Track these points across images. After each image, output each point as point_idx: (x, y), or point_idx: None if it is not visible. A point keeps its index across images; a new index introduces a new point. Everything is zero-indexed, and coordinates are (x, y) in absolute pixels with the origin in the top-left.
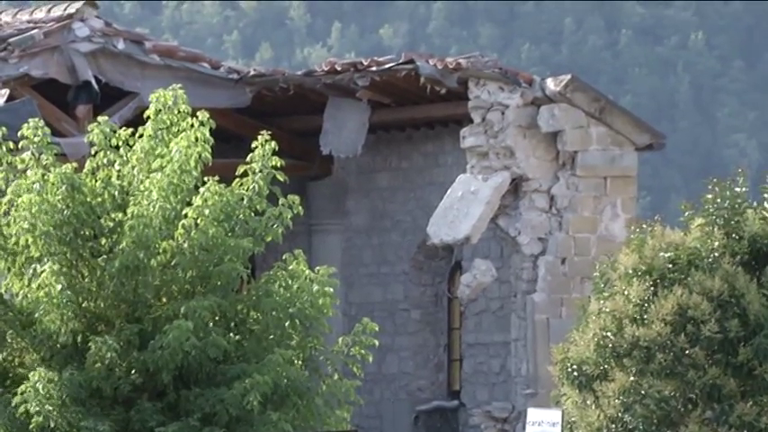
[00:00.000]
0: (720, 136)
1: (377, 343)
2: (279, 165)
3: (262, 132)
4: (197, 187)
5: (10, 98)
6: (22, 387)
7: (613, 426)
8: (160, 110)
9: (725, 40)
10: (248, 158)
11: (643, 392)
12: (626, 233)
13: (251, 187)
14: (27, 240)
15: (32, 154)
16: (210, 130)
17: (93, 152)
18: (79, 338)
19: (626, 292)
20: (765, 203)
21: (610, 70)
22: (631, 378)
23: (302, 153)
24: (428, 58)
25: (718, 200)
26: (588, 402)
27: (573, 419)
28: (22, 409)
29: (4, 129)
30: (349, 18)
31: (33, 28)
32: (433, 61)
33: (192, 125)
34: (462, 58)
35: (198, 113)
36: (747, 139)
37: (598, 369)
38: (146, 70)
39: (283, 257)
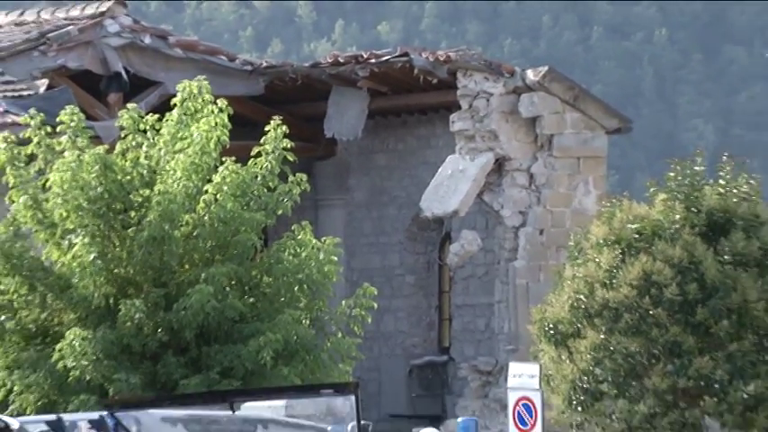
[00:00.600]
0: (680, 121)
1: (375, 305)
2: (288, 146)
3: (273, 118)
4: (216, 167)
5: (49, 87)
6: (61, 344)
7: (585, 378)
8: (186, 98)
9: (685, 35)
10: (261, 141)
11: (612, 348)
12: (597, 207)
13: (264, 166)
14: (63, 214)
15: (69, 137)
16: (228, 115)
17: (123, 135)
18: (111, 301)
19: (597, 260)
20: (720, 180)
21: (582, 62)
22: (601, 336)
23: (309, 136)
24: (421, 52)
25: (679, 177)
26: (563, 357)
27: (549, 372)
28: (60, 364)
29: (43, 115)
30: (351, 16)
31: (69, 24)
32: (426, 54)
33: (212, 111)
34: (451, 52)
35: (217, 101)
36: (704, 124)
37: (572, 328)
38: (169, 62)
39: (292, 229)
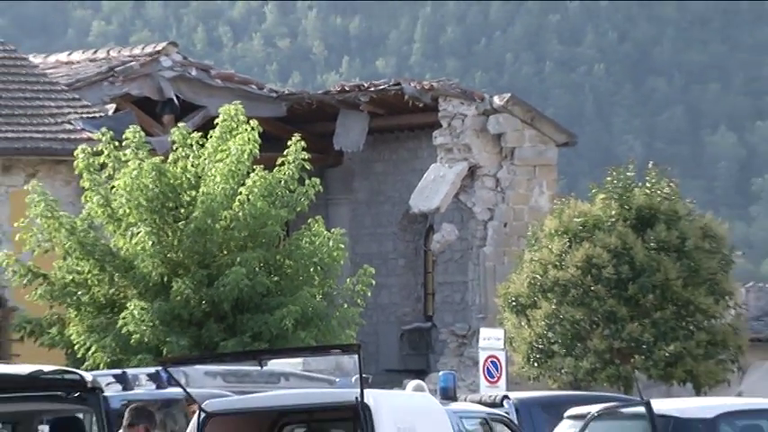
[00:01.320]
0: (615, 137)
1: (373, 282)
2: (305, 157)
3: (293, 135)
4: (248, 173)
5: (116, 110)
6: (125, 313)
7: (540, 340)
8: (224, 119)
9: (618, 69)
10: (284, 153)
11: (561, 317)
12: (549, 205)
13: (286, 173)
14: (127, 211)
15: (132, 150)
16: (258, 133)
17: (174, 148)
18: (165, 279)
19: (549, 247)
20: (647, 184)
21: (537, 91)
22: (553, 307)
23: (321, 149)
24: (410, 82)
25: (614, 181)
26: (522, 324)
27: (512, 336)
28: (124, 329)
29: (111, 132)
30: (354, 53)
31: (132, 60)
32: (414, 84)
33: (245, 130)
34: (434, 82)
35: (249, 121)
36: (634, 139)
37: (530, 300)
38: (211, 90)
39: (308, 222)
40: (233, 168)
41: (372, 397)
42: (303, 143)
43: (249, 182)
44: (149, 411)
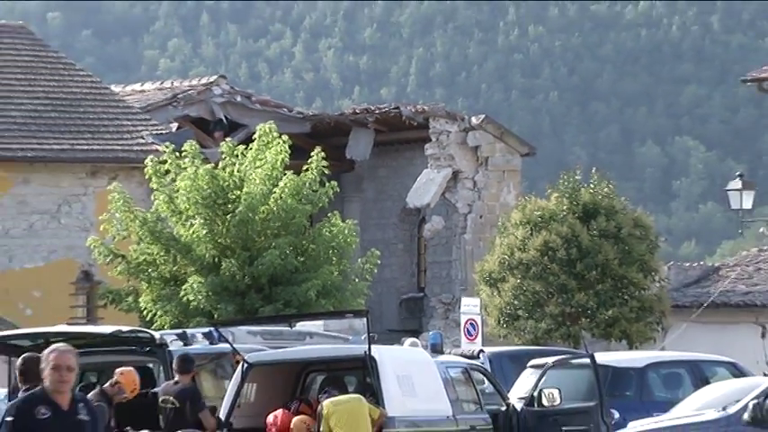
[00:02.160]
0: (566, 148)
1: (378, 262)
2: (325, 165)
3: (316, 147)
4: (280, 177)
5: (178, 128)
6: (185, 286)
7: (508, 307)
8: (262, 135)
9: (570, 95)
10: (308, 161)
11: (524, 289)
12: (515, 202)
13: (310, 177)
14: (186, 206)
15: (190, 159)
16: (288, 145)
17: (223, 158)
18: (216, 259)
19: (515, 234)
20: (591, 185)
21: (506, 113)
22: (518, 281)
23: (337, 158)
24: (407, 106)
25: (565, 183)
26: (494, 294)
27: (486, 303)
28: (184, 298)
29: (174, 145)
30: (364, 84)
31: (190, 89)
32: (410, 107)
33: (278, 143)
34: (426, 106)
35: (281, 137)
36: (580, 150)
37: (500, 276)
38: (252, 113)
39: (328, 215)
40: (269, 173)
41: (377, 351)
42: (323, 154)
43: (281, 184)
44: (192, 358)
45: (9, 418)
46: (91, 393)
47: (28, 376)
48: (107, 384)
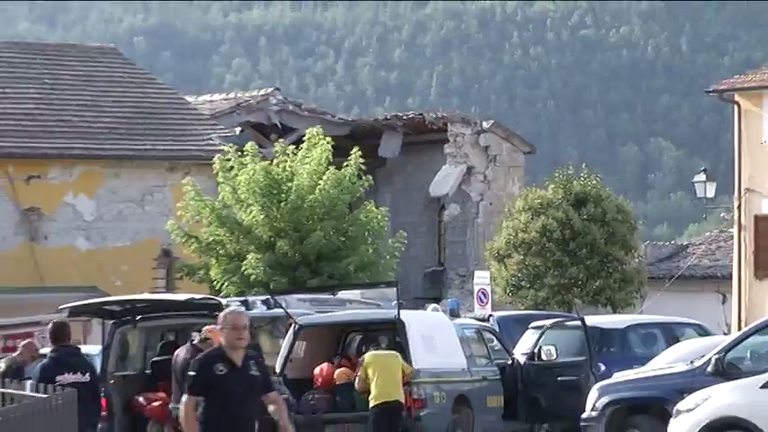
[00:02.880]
0: (561, 149)
1: (405, 241)
2: (361, 162)
3: (354, 147)
4: (324, 172)
5: (240, 132)
6: (246, 261)
7: (513, 279)
8: (310, 137)
9: (563, 104)
10: (348, 159)
11: (526, 264)
12: (519, 192)
13: (349, 172)
14: (247, 196)
15: (251, 157)
16: (331, 145)
17: (277, 156)
18: (272, 239)
19: (519, 218)
20: (581, 178)
21: (512, 118)
22: (521, 257)
23: (372, 155)
24: (429, 112)
25: (560, 176)
26: (502, 268)
27: (495, 276)
28: (246, 272)
29: (236, 146)
30: (393, 95)
31: (251, 100)
32: (432, 114)
33: (323, 143)
34: (445, 113)
35: (325, 138)
36: (572, 150)
37: (506, 253)
38: (302, 118)
39: (364, 203)
40: (315, 168)
41: (405, 315)
42: (360, 152)
43: (325, 177)
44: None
45: (192, 373)
46: (185, 347)
47: (56, 337)
48: (196, 340)
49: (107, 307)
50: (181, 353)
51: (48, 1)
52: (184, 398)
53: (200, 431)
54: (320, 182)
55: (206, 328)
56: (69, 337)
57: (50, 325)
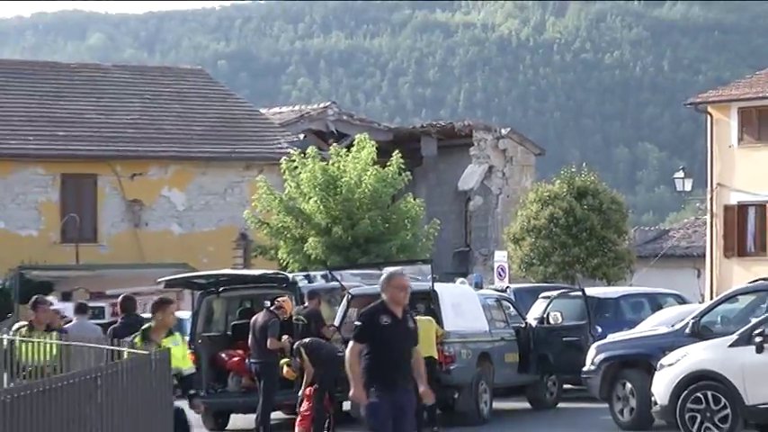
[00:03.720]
0: (566, 150)
1: (438, 227)
2: (402, 162)
3: (396, 150)
4: (371, 170)
5: (304, 138)
6: (307, 244)
7: (527, 257)
8: (359, 141)
9: (567, 115)
10: (390, 159)
11: (537, 245)
12: (531, 186)
13: (391, 170)
14: (307, 190)
15: (312, 158)
16: (376, 148)
17: (332, 156)
18: (329, 225)
19: (531, 208)
20: (582, 175)
21: (525, 126)
22: (533, 240)
23: (411, 156)
24: (458, 121)
25: (566, 174)
26: (517, 249)
27: (511, 255)
28: (308, 252)
29: (300, 149)
30: (429, 107)
31: (313, 111)
32: (460, 122)
33: (370, 147)
34: (470, 121)
35: (372, 142)
36: (575, 151)
37: (521, 236)
38: (353, 126)
39: (404, 196)
40: (363, 167)
41: (438, 287)
42: (400, 154)
43: (370, 173)
44: (317, 291)
45: (358, 323)
46: (262, 312)
47: (124, 308)
48: (273, 308)
49: (196, 280)
50: (259, 317)
51: (148, 32)
52: (350, 344)
53: (362, 374)
54: (365, 177)
55: (281, 298)
56: (135, 308)
57: (120, 298)
